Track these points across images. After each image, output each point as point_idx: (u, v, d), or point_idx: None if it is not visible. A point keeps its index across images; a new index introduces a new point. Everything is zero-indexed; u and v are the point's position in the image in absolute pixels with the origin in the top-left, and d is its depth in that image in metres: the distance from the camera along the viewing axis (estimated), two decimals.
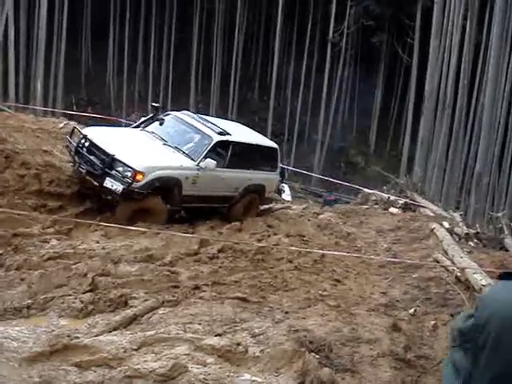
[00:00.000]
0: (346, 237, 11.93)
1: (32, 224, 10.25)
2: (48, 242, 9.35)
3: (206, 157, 11.14)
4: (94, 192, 10.83)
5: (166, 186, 10.74)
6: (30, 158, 12.36)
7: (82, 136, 10.97)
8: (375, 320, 6.92)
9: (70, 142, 11.22)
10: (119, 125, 29.51)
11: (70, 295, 6.85)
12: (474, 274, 8.56)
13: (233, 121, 15.39)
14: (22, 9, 37.18)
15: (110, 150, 10.43)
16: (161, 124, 12.16)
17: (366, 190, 18.64)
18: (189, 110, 14.51)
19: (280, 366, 5.16)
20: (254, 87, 45.99)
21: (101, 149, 10.58)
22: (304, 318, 6.53)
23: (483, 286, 7.83)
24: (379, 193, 17.76)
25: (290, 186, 24.51)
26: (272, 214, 13.64)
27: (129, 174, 10.15)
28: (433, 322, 7.32)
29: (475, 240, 12.69)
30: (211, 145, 11.38)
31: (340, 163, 40.50)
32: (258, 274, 8.21)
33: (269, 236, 10.81)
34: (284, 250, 9.40)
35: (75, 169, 10.88)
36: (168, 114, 12.81)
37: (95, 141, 10.78)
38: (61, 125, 20.72)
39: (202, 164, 11.07)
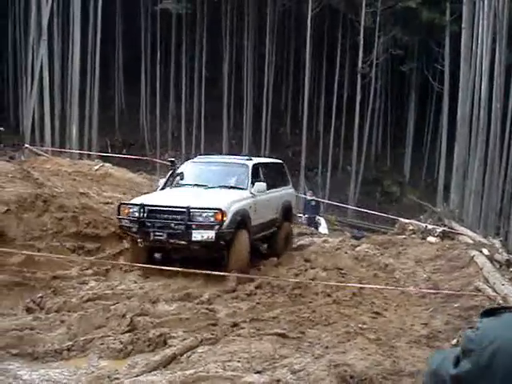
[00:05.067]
0: (384, 268, 11.80)
1: (70, 266, 10.42)
2: (86, 284, 9.50)
3: (252, 183, 11.34)
4: (185, 252, 10.58)
5: (242, 219, 10.56)
6: (67, 200, 12.59)
7: (137, 207, 10.39)
8: (417, 352, 6.80)
9: (122, 219, 10.57)
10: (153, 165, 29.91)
11: (110, 336, 6.90)
12: None
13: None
14: (55, 54, 38.10)
15: (181, 204, 10.18)
16: (181, 178, 12.09)
17: (402, 219, 18.45)
18: (203, 154, 15.95)
19: None
20: (285, 121, 46.17)
21: (170, 208, 10.33)
22: (344, 353, 6.45)
23: None
24: (416, 222, 17.57)
25: (326, 219, 24.43)
26: (309, 247, 13.63)
27: (212, 218, 9.91)
28: None
29: None
30: (250, 171, 11.63)
31: (375, 194, 40.26)
32: (296, 309, 8.16)
33: (306, 270, 10.77)
34: (322, 284, 9.33)
35: (151, 240, 10.20)
36: (194, 162, 13.02)
37: (158, 204, 10.54)
38: (96, 167, 21.06)
39: (253, 190, 11.21)
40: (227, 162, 12.84)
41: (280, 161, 14.39)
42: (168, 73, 45.10)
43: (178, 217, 10.05)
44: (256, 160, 12.70)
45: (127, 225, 10.47)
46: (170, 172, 12.53)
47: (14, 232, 11.11)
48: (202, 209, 10.04)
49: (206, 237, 9.82)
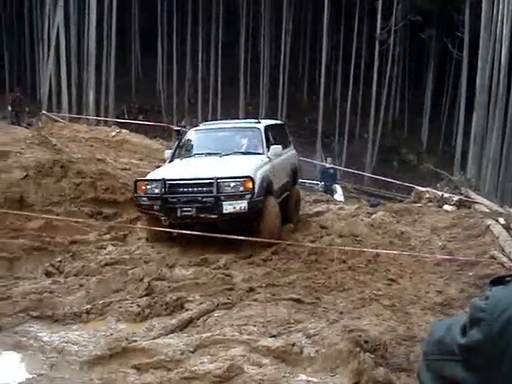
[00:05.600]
0: (400, 236, 11.80)
1: (88, 231, 10.55)
2: (104, 249, 9.63)
3: (267, 146, 10.63)
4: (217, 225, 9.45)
5: (268, 185, 9.87)
6: (85, 166, 12.71)
7: (157, 182, 9.52)
8: (431, 319, 6.83)
9: (140, 197, 9.70)
10: (169, 131, 29.90)
11: (128, 300, 7.02)
12: None
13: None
14: (72, 21, 38.01)
15: (207, 175, 9.39)
16: (190, 148, 11.37)
17: (419, 187, 18.40)
18: (217, 119, 14.16)
19: (335, 366, 5.15)
20: (302, 88, 45.94)
21: (195, 180, 9.49)
22: (359, 318, 6.51)
23: None
24: (433, 190, 17.52)
25: (342, 187, 24.40)
26: (325, 214, 13.65)
27: (242, 188, 9.19)
28: None
29: None
30: (263, 134, 10.89)
31: (392, 162, 40.08)
32: (311, 275, 8.20)
33: (322, 237, 10.76)
34: (337, 251, 9.36)
35: (178, 216, 9.37)
36: (199, 130, 11.97)
37: (181, 177, 9.67)
38: (113, 133, 21.13)
39: (269, 154, 10.48)
40: (236, 126, 12.04)
41: (280, 121, 13.63)
42: (184, 39, 44.92)
43: (205, 189, 9.32)
44: (264, 122, 11.89)
45: (146, 203, 9.61)
46: (177, 142, 11.72)
47: (33, 197, 11.26)
48: (230, 178, 9.29)
49: (238, 208, 9.17)
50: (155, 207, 9.46)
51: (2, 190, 11.08)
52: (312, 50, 45.55)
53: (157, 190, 9.47)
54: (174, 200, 9.36)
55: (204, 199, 9.25)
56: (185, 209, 9.28)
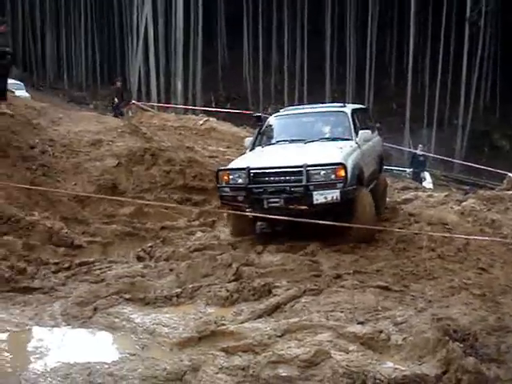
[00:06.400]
0: (491, 224, 11.46)
1: (178, 217, 10.83)
2: (193, 234, 9.89)
3: (355, 131, 9.90)
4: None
5: (360, 173, 9.16)
6: (174, 154, 13.02)
7: (240, 172, 8.86)
8: None
9: (223, 187, 9.02)
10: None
11: (216, 284, 7.17)
12: None
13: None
14: (159, 12, 38.77)
15: (295, 163, 8.64)
16: (272, 135, 10.59)
17: (511, 174, 17.85)
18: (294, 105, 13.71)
19: (423, 355, 5.10)
20: (389, 74, 45.15)
21: (282, 169, 8.74)
22: (447, 307, 6.40)
23: None
24: None
25: (431, 174, 23.96)
26: (413, 201, 13.46)
27: (333, 176, 8.40)
28: None
29: None
30: (350, 118, 10.16)
31: (483, 148, 38.86)
32: (399, 263, 8.10)
33: (410, 224, 10.57)
34: (426, 239, 9.20)
35: (266, 208, 8.57)
36: (281, 116, 11.14)
37: (267, 166, 8.96)
38: (201, 122, 21.48)
39: (358, 140, 9.73)
40: (320, 111, 11.10)
41: (364, 106, 13.07)
42: (270, 26, 45.01)
43: (293, 178, 8.55)
44: (350, 106, 11.12)
45: (230, 194, 8.95)
46: (258, 129, 11.01)
47: (125, 185, 11.65)
48: (320, 165, 8.48)
49: (329, 198, 8.38)
50: (239, 198, 8.84)
51: (95, 177, 11.53)
52: (399, 34, 44.66)
53: (240, 180, 8.85)
54: (260, 190, 8.66)
55: (292, 189, 8.51)
56: (272, 200, 8.56)
